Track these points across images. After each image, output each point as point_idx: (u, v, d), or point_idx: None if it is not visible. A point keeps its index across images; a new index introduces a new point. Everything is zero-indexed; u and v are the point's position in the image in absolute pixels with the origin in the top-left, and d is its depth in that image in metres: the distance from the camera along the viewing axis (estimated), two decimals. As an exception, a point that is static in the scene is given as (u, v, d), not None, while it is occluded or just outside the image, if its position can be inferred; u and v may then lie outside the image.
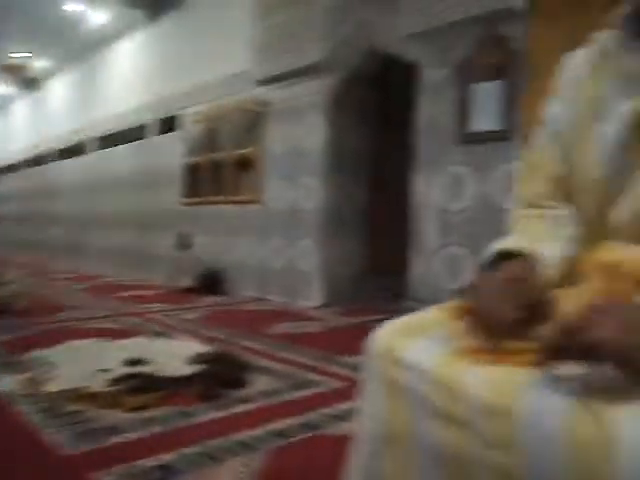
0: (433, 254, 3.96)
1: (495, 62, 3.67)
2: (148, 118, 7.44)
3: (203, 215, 6.34)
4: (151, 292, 5.89)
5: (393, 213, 5.03)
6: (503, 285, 0.79)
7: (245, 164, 5.74)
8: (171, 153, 6.87)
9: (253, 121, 5.61)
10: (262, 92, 5.49)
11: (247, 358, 2.94)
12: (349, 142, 5.07)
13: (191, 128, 6.49)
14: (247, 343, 3.41)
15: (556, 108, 1.03)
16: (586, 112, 0.95)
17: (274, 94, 5.40)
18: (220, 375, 2.52)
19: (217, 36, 6.14)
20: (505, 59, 3.63)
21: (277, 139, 5.39)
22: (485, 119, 3.70)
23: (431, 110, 4.02)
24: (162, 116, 7.14)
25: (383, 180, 5.32)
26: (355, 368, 2.58)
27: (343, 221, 5.08)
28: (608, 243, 0.86)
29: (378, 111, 5.27)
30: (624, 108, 0.87)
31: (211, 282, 5.84)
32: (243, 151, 5.74)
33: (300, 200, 5.14)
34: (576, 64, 1.01)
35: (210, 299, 5.43)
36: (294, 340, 3.53)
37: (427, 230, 4.01)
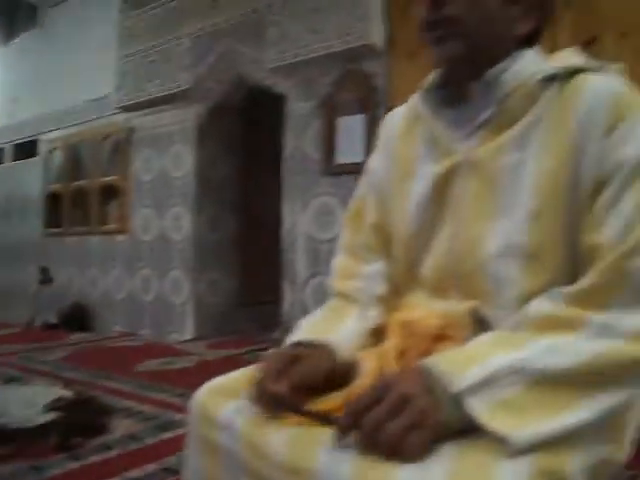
0: (303, 284, 4.01)
1: (357, 97, 3.83)
2: (3, 142, 6.96)
3: (67, 247, 5.98)
4: (6, 332, 5.46)
5: (266, 243, 5.05)
6: (280, 365, 0.84)
7: (111, 192, 5.52)
8: (30, 180, 6.45)
9: (118, 147, 5.43)
10: (127, 118, 5.33)
11: (110, 400, 2.80)
12: (217, 172, 5.04)
13: (51, 154, 6.15)
14: (111, 384, 3.25)
15: (376, 162, 1.08)
16: (399, 170, 1.00)
17: (140, 120, 5.26)
18: (79, 422, 2.37)
19: (79, 59, 5.87)
20: (367, 94, 3.79)
21: (144, 167, 5.25)
22: (350, 152, 3.83)
23: (297, 142, 4.11)
24: (19, 141, 6.71)
25: (254, 210, 5.32)
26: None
27: (213, 251, 5.02)
28: (413, 298, 0.94)
29: (247, 141, 5.29)
30: (430, 170, 0.92)
31: (76, 318, 5.50)
32: (108, 179, 5.52)
33: (169, 230, 5.02)
34: (394, 122, 1.05)
35: (75, 336, 5.12)
36: (162, 377, 3.40)
37: (297, 260, 4.07)
